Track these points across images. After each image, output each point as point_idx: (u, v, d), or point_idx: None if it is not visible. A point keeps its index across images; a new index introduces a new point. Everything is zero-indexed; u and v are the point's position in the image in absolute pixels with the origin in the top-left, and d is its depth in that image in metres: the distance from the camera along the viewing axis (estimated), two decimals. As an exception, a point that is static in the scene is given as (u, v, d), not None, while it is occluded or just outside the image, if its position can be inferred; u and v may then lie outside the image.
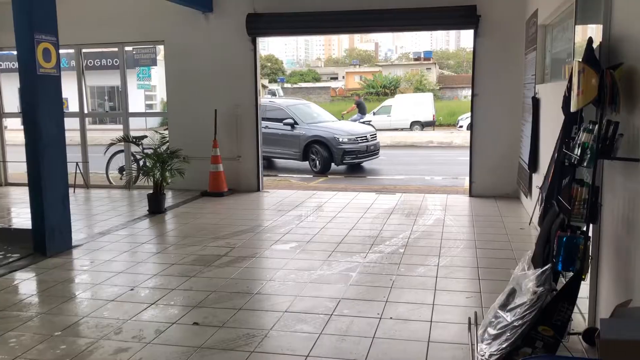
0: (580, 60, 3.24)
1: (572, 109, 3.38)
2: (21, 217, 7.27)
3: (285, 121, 13.77)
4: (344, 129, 14.19)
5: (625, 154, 3.06)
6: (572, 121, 3.66)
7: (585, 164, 3.12)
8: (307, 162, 13.51)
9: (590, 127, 3.13)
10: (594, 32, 3.88)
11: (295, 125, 13.78)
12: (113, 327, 3.96)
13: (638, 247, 2.92)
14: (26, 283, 5.02)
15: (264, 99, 15.59)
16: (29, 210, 5.87)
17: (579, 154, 3.16)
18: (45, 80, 5.71)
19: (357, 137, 13.72)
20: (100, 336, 3.80)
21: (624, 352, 2.17)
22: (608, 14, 3.42)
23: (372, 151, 14.04)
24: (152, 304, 4.38)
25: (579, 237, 3.16)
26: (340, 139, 13.40)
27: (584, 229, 3.22)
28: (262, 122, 13.29)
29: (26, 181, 5.90)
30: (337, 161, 13.28)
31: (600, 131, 3.01)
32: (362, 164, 14.34)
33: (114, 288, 4.78)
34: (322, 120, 15.00)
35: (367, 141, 13.89)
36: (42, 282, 5.02)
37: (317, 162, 13.31)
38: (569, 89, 3.58)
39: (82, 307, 4.39)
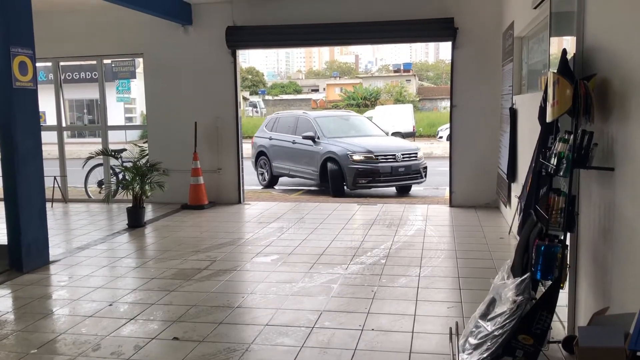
0: (555, 71, 3.29)
1: (548, 119, 3.43)
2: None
3: (304, 134, 11.83)
4: (368, 144, 11.39)
5: (600, 163, 3.12)
6: (548, 131, 3.71)
7: (561, 174, 3.16)
8: (328, 182, 11.30)
9: (566, 137, 3.18)
10: (568, 44, 3.95)
11: (316, 140, 11.63)
12: (91, 343, 3.89)
13: (614, 255, 2.96)
14: (1, 300, 4.91)
15: (298, 111, 13.99)
16: (4, 225, 5.77)
17: (555, 163, 3.20)
18: (22, 94, 5.64)
19: (378, 155, 10.90)
20: (78, 353, 3.73)
21: (601, 359, 2.19)
22: (581, 27, 3.49)
23: (402, 174, 11.02)
24: (132, 319, 4.32)
25: (556, 246, 3.19)
26: (354, 156, 10.85)
27: (562, 237, 3.26)
28: (290, 136, 12.46)
29: (2, 195, 5.80)
30: (348, 183, 10.86)
31: (575, 141, 3.06)
32: (409, 187, 11.68)
33: (93, 304, 4.70)
34: (360, 134, 12.41)
35: (396, 161, 11.00)
36: (18, 298, 4.92)
37: (331, 183, 11.10)
38: (545, 99, 3.64)
39: (59, 323, 4.31)
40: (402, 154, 11.22)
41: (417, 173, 11.27)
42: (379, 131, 13.26)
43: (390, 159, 11.10)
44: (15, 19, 5.58)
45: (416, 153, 11.52)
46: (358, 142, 11.54)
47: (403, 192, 11.70)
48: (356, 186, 10.88)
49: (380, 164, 10.95)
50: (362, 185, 10.92)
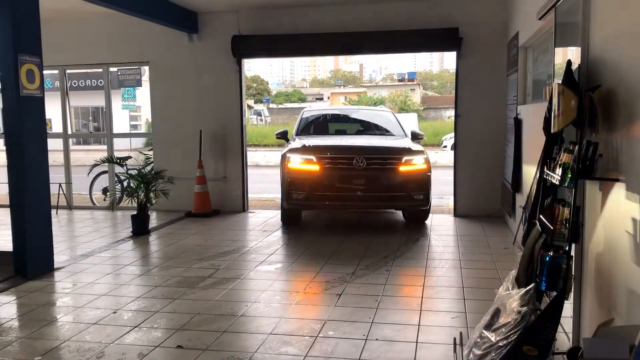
0: (560, 82, 3.29)
1: (553, 130, 3.43)
2: (2, 239, 7.16)
3: (277, 132, 9.26)
4: (320, 141, 8.23)
5: (605, 174, 3.11)
6: (552, 142, 3.71)
7: (566, 184, 3.15)
8: None
9: (571, 148, 3.17)
10: (573, 54, 3.96)
11: (288, 140, 8.88)
12: (95, 351, 3.89)
13: (619, 267, 2.95)
14: (6, 307, 4.93)
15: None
16: (10, 232, 5.79)
17: (560, 174, 3.20)
18: (29, 101, 5.67)
19: (320, 156, 7.50)
20: (82, 360, 3.74)
21: (607, 372, 2.18)
22: (586, 38, 3.50)
23: (368, 190, 7.38)
24: (135, 327, 4.33)
25: (561, 257, 3.18)
26: (291, 159, 7.64)
27: (567, 248, 3.25)
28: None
29: (7, 202, 5.83)
30: (283, 197, 7.87)
31: (580, 152, 3.06)
32: (422, 214, 8.13)
33: (97, 311, 4.71)
34: (349, 131, 9.28)
35: (353, 168, 7.30)
36: (22, 305, 4.93)
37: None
38: (549, 110, 3.64)
39: (63, 330, 4.32)
40: (367, 158, 7.35)
41: (399, 190, 7.46)
42: (393, 129, 9.11)
43: (342, 164, 7.45)
44: (23, 27, 5.63)
45: (398, 157, 7.52)
46: (315, 140, 8.30)
47: (413, 220, 8.27)
48: (291, 203, 7.62)
49: (322, 171, 7.46)
50: (297, 202, 7.58)
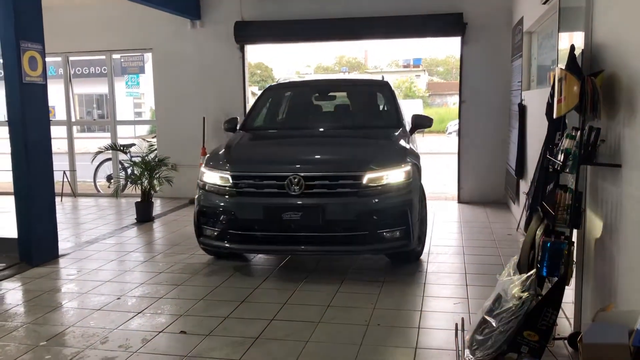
0: (563, 67, 3.27)
1: (555, 115, 3.42)
2: (7, 227, 7.20)
3: (225, 121, 6.62)
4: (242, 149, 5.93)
5: (607, 159, 3.10)
6: (555, 127, 3.69)
7: (568, 170, 3.15)
8: None
9: (573, 134, 3.17)
10: (577, 39, 3.93)
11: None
12: (99, 336, 3.93)
13: (620, 252, 2.95)
14: (11, 293, 4.97)
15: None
16: (15, 219, 5.82)
17: (562, 160, 3.19)
18: (31, 89, 5.68)
19: (240, 174, 5.07)
20: (86, 346, 3.78)
21: (605, 355, 2.19)
22: (589, 23, 3.47)
23: (309, 228, 4.94)
24: (139, 313, 4.36)
25: (562, 243, 3.18)
26: (205, 174, 5.31)
27: (568, 234, 3.25)
28: None
29: (12, 190, 5.86)
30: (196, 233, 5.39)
31: (582, 137, 3.05)
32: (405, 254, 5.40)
33: (101, 297, 4.75)
34: (320, 124, 6.48)
35: (285, 194, 4.88)
36: (27, 291, 4.97)
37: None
38: (552, 95, 3.62)
39: (68, 316, 4.36)
40: (306, 178, 4.88)
41: (359, 227, 4.91)
42: (385, 115, 6.66)
43: (268, 186, 5.01)
44: (25, 14, 5.62)
45: (356, 175, 4.90)
46: (240, 146, 5.86)
47: (398, 260, 5.52)
48: (203, 242, 5.32)
49: (239, 198, 5.05)
50: (210, 242, 5.25)
